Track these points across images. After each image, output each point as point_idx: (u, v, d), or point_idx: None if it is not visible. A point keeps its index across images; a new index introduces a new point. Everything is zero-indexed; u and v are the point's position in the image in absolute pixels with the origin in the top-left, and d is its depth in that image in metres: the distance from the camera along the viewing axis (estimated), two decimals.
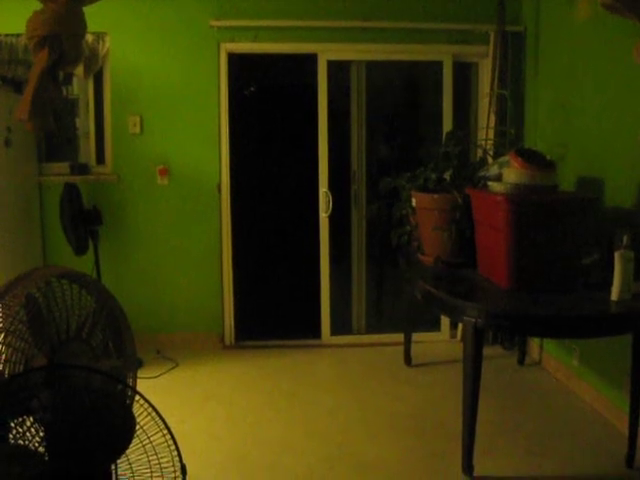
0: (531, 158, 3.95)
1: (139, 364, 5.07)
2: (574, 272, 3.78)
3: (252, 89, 6.63)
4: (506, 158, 4.24)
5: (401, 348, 5.54)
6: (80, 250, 5.41)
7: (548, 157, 4.12)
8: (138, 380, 2.78)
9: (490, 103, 5.67)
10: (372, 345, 6.02)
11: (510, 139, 5.37)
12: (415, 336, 5.58)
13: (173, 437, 1.99)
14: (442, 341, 6.12)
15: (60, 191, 5.42)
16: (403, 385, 5.09)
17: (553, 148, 4.97)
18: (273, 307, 6.52)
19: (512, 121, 5.56)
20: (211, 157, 5.80)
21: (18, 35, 5.45)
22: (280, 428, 4.37)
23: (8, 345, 2.12)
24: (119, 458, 1.98)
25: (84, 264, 5.37)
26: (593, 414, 4.49)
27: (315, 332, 6.10)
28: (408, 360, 5.49)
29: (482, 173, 4.41)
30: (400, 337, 5.59)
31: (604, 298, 3.53)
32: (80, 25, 2.59)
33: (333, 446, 4.10)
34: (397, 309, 6.12)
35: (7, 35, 5.47)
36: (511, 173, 3.92)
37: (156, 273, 5.88)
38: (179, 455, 1.98)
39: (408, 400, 4.82)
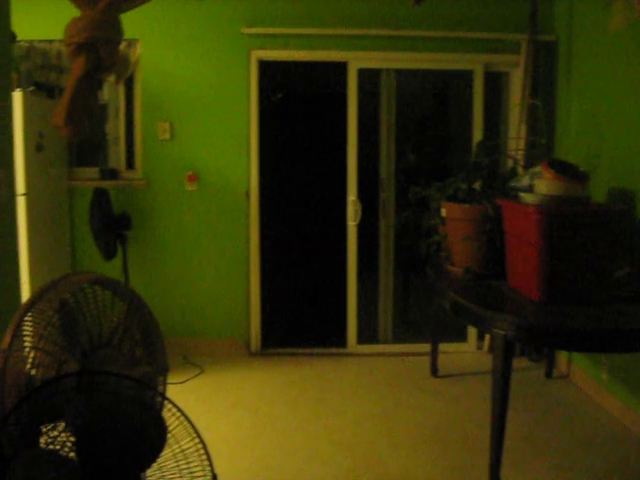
0: (563, 169, 3.91)
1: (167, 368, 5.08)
2: (605, 285, 3.73)
3: (279, 96, 6.64)
4: (537, 169, 4.21)
5: (427, 358, 5.51)
6: (109, 255, 5.44)
7: (580, 168, 4.08)
8: None
9: (521, 113, 5.63)
10: (398, 355, 5.99)
11: (541, 150, 5.33)
12: (442, 346, 5.56)
13: (204, 445, 1.99)
14: (469, 352, 6.08)
15: (90, 196, 5.46)
16: (429, 396, 5.06)
17: (585, 159, 4.93)
18: (299, 315, 6.52)
19: (543, 131, 5.51)
20: (240, 164, 5.81)
21: (51, 41, 5.50)
22: (305, 437, 4.36)
23: (41, 349, 2.13)
24: (150, 466, 1.98)
25: (113, 269, 5.41)
26: (622, 429, 4.43)
27: (341, 340, 6.08)
28: (434, 370, 5.46)
29: (513, 184, 4.37)
30: (426, 347, 5.56)
31: (636, 312, 3.49)
32: (117, 32, 2.60)
33: (358, 456, 4.07)
34: (424, 319, 6.09)
35: (41, 41, 5.53)
36: (543, 184, 3.88)
37: (183, 278, 5.90)
38: (210, 464, 1.97)
39: (434, 411, 4.78)
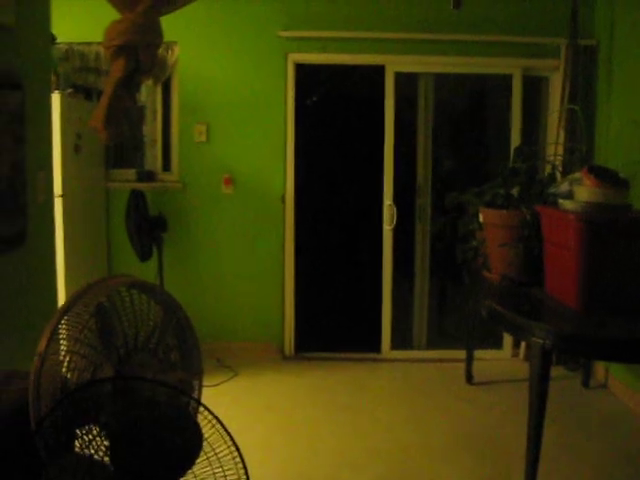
0: (604, 176, 3.84)
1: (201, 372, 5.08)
2: None
3: (314, 99, 6.63)
4: (577, 175, 4.14)
5: (462, 365, 5.46)
6: (144, 256, 5.46)
7: (621, 175, 4.01)
8: None
9: (560, 118, 5.56)
10: (433, 361, 5.94)
11: (580, 156, 5.25)
12: (477, 353, 5.51)
13: (239, 451, 1.97)
14: (504, 359, 6.01)
15: (126, 197, 5.48)
16: (464, 403, 5.01)
17: (625, 165, 4.84)
18: (334, 319, 6.50)
19: (583, 137, 5.43)
20: (276, 168, 5.81)
21: (90, 43, 5.54)
22: (338, 442, 4.33)
23: (77, 353, 2.13)
24: (185, 474, 1.96)
25: (148, 270, 5.42)
26: None
27: (375, 346, 6.05)
28: (469, 377, 5.41)
29: (552, 190, 4.31)
30: (461, 354, 5.52)
31: None
32: (157, 35, 2.60)
33: (392, 463, 4.04)
34: (459, 325, 6.03)
35: (79, 43, 5.57)
36: (583, 191, 3.82)
37: (218, 281, 5.91)
38: (246, 470, 1.95)
39: (468, 419, 4.74)
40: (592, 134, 5.61)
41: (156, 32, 2.60)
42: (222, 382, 5.32)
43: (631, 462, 4.07)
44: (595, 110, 5.63)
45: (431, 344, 6.23)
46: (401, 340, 6.13)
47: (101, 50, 5.38)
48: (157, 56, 2.62)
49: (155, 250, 5.54)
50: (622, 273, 3.59)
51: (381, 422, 4.68)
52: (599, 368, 5.42)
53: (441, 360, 5.94)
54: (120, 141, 2.48)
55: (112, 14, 2.70)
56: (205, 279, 5.90)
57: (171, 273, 5.74)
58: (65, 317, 2.15)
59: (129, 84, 2.55)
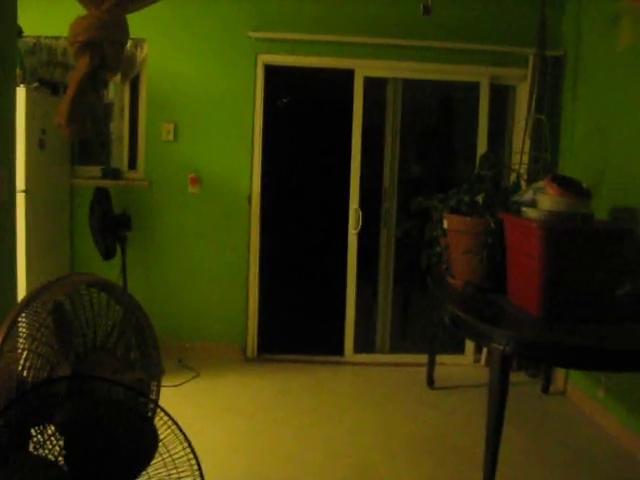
0: (567, 185, 3.88)
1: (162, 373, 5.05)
2: (606, 303, 3.70)
3: (285, 101, 6.62)
4: (541, 184, 4.18)
5: (424, 369, 5.48)
6: (108, 255, 5.41)
7: (584, 185, 4.06)
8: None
9: (526, 127, 5.60)
10: (395, 365, 5.96)
11: (545, 165, 5.30)
12: (439, 358, 5.53)
13: (195, 455, 1.96)
14: (466, 364, 6.05)
15: (91, 195, 5.44)
16: (425, 407, 5.03)
17: (589, 175, 4.90)
18: (297, 322, 6.50)
19: (548, 146, 5.48)
20: (243, 168, 5.79)
21: (58, 37, 5.48)
22: (300, 445, 4.32)
23: (33, 351, 2.10)
24: (140, 474, 1.95)
25: (111, 269, 5.38)
26: (619, 448, 4.40)
27: (338, 349, 6.06)
28: (431, 382, 5.43)
29: (516, 198, 4.35)
30: (423, 358, 5.54)
31: (637, 331, 3.46)
32: (123, 32, 2.58)
33: (353, 466, 4.04)
34: (422, 330, 6.06)
35: (47, 37, 5.51)
36: (546, 200, 3.86)
37: (182, 281, 5.88)
38: (201, 473, 1.94)
39: (430, 423, 4.75)
40: (557, 143, 5.67)
41: (122, 29, 2.58)
42: (183, 382, 5.28)
43: (587, 468, 4.12)
44: (560, 119, 5.69)
45: (394, 348, 6.25)
46: (364, 344, 6.14)
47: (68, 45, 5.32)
48: (123, 53, 2.60)
49: (119, 249, 5.50)
50: (583, 281, 3.62)
51: (343, 425, 4.68)
52: (559, 375, 5.47)
53: (404, 364, 5.96)
54: (84, 137, 2.44)
55: (81, 8, 2.68)
56: (169, 278, 5.87)
57: (135, 272, 5.69)
58: (22, 315, 2.12)
59: (94, 81, 2.52)
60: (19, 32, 4.74)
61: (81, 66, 2.47)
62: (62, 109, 2.52)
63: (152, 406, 2.17)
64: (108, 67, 2.53)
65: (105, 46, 2.47)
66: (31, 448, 2.04)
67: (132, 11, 2.62)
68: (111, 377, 2.18)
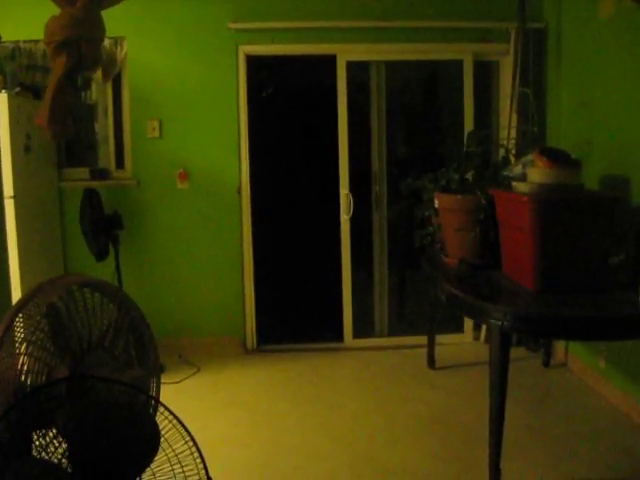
0: (556, 157, 3.88)
1: (161, 369, 5.05)
2: (601, 272, 3.70)
3: (269, 91, 6.60)
4: (530, 157, 4.18)
5: (424, 350, 5.48)
6: (101, 255, 5.40)
7: (573, 156, 4.05)
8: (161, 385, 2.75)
9: (512, 102, 5.59)
10: (395, 348, 5.97)
11: (533, 138, 5.29)
12: (438, 338, 5.53)
13: (199, 449, 1.96)
14: (465, 343, 6.06)
15: (80, 196, 5.42)
16: (427, 388, 5.04)
17: (576, 147, 4.90)
18: (295, 311, 6.49)
19: (534, 120, 5.47)
20: (231, 160, 5.77)
21: (37, 41, 5.43)
22: (304, 433, 4.33)
23: (30, 355, 2.09)
24: (143, 472, 1.94)
25: (105, 269, 5.36)
26: (621, 417, 4.41)
27: (337, 335, 6.06)
28: (432, 363, 5.44)
29: (506, 173, 4.35)
30: (423, 339, 5.54)
31: (633, 299, 3.46)
32: (98, 29, 2.56)
33: (357, 451, 4.05)
34: (420, 311, 6.06)
35: (26, 41, 5.47)
36: (535, 173, 3.86)
37: (177, 277, 5.87)
38: (205, 467, 1.94)
39: (432, 403, 4.76)
40: (543, 116, 5.65)
41: (97, 26, 2.56)
42: (184, 378, 5.28)
43: (592, 438, 4.13)
44: (546, 92, 5.67)
45: (393, 331, 6.25)
46: (363, 328, 6.14)
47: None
48: (100, 50, 2.58)
49: (112, 249, 5.48)
50: (576, 252, 3.62)
51: (346, 411, 4.68)
52: (559, 348, 5.48)
53: (403, 346, 5.96)
54: (66, 138, 2.42)
55: (58, 11, 2.66)
56: (164, 275, 5.86)
57: (129, 271, 5.67)
58: (16, 319, 2.11)
59: (72, 80, 2.51)
60: None
61: (59, 66, 2.45)
62: (42, 111, 2.50)
63: (152, 403, 2.17)
64: (86, 65, 2.51)
65: (82, 44, 2.46)
66: (34, 452, 2.04)
67: (106, 7, 2.59)
68: (109, 376, 2.17)
